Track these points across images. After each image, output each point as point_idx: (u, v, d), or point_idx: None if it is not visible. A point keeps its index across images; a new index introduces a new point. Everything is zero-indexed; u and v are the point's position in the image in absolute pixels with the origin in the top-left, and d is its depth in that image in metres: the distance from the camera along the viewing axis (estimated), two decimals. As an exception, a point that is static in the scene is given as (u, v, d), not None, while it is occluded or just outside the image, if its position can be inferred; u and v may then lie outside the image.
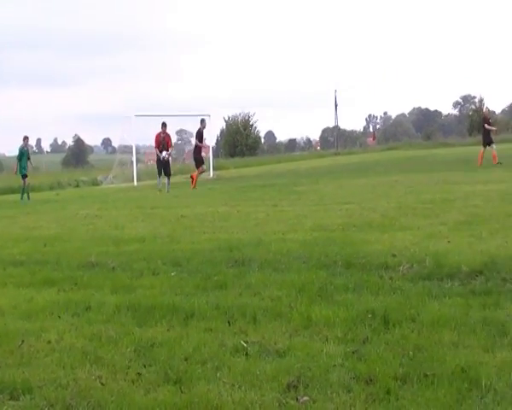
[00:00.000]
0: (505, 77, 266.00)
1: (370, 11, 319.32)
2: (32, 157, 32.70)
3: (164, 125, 30.08)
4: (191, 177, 30.28)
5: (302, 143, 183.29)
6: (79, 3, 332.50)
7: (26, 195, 30.73)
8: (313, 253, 9.63)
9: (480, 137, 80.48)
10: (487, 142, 32.56)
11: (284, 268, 8.82)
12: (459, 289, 7.20)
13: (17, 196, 33.01)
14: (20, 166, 31.52)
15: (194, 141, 31.79)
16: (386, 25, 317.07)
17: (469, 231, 10.83)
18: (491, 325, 5.85)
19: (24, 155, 31.50)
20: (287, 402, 4.58)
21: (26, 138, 32.40)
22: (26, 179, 31.52)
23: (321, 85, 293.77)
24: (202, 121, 30.73)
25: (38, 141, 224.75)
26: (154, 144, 30.43)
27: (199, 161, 30.98)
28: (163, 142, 29.75)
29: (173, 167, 36.76)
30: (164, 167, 29.96)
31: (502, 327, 5.78)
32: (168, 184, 29.48)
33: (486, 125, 33.11)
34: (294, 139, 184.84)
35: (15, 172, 32.30)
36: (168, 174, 29.88)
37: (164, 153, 29.51)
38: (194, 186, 29.30)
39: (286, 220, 13.96)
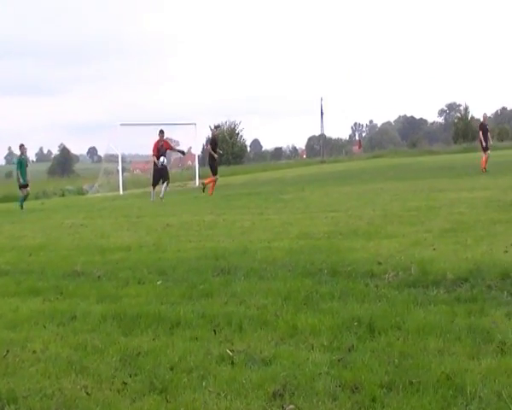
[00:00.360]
0: (490, 85, 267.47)
1: (356, 19, 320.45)
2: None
3: (161, 132, 29.49)
4: (203, 183, 30.39)
5: (288, 152, 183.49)
6: (64, 12, 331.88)
7: (22, 202, 30.28)
8: (299, 261, 9.64)
9: (465, 145, 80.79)
10: (486, 148, 32.62)
11: (270, 276, 8.83)
12: (444, 297, 7.22)
13: (2, 206, 32.93)
14: (20, 175, 31.05)
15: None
16: (372, 33, 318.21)
17: (455, 238, 10.86)
18: (477, 332, 5.86)
19: (22, 164, 31.10)
20: (273, 411, 4.58)
21: (21, 147, 31.98)
22: (27, 189, 31.12)
23: (307, 94, 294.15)
24: (217, 128, 30.28)
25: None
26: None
27: (213, 168, 30.38)
28: (161, 149, 29.07)
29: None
30: (162, 174, 29.22)
31: (487, 334, 5.79)
32: (165, 189, 28.98)
33: (481, 134, 33.18)
34: (280, 147, 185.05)
35: (20, 183, 31.53)
36: (166, 179, 29.25)
37: (162, 158, 29.05)
38: (211, 192, 29.26)
39: (272, 228, 13.97)
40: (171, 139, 29.17)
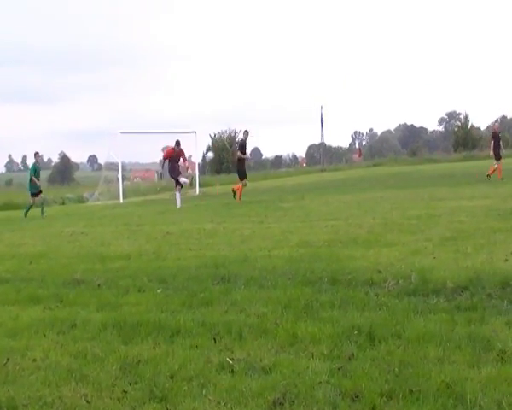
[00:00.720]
0: (490, 93, 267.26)
1: (355, 28, 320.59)
2: (18, 174, 32.32)
3: (178, 143, 28.83)
4: (233, 190, 29.28)
5: (288, 160, 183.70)
6: (64, 20, 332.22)
7: (41, 209, 30.27)
8: (299, 269, 9.64)
9: (465, 153, 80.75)
10: (498, 156, 32.75)
11: (270, 285, 8.82)
12: (444, 305, 7.21)
13: (2, 214, 32.93)
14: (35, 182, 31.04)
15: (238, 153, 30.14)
16: (371, 41, 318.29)
17: (455, 246, 10.86)
18: (477, 340, 5.86)
19: (37, 171, 31.14)
20: (273, 419, 4.58)
21: (36, 154, 31.99)
22: (41, 195, 31.36)
23: (307, 102, 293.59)
24: (245, 132, 29.63)
25: (24, 158, 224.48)
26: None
27: (242, 172, 29.39)
28: (176, 158, 28.63)
29: (159, 185, 36.46)
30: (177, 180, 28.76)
31: (487, 343, 5.79)
32: (179, 198, 28.52)
33: (492, 143, 33.35)
34: (280, 156, 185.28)
35: (34, 190, 31.44)
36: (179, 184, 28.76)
37: (183, 179, 28.53)
38: (239, 198, 28.37)
39: (272, 237, 13.97)
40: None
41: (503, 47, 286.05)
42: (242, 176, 29.31)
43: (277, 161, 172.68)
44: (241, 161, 29.62)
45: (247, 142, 29.35)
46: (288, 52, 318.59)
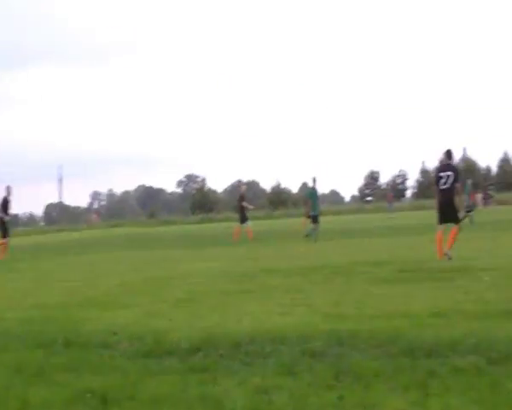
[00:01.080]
0: (226, 158, 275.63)
1: (111, 95, 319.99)
2: None
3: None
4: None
5: (25, 219, 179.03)
6: None
7: None
8: (31, 331, 9.38)
9: (202, 216, 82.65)
10: (243, 219, 33.63)
11: (1, 348, 8.51)
12: (178, 367, 7.29)
13: None
14: None
15: None
16: (112, 110, 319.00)
17: (189, 308, 11.07)
18: (208, 401, 5.97)
19: None
20: None
21: None
22: None
23: (45, 160, 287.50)
24: (7, 188, 28.13)
25: None
26: None
27: (5, 230, 27.83)
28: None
29: None
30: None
31: (219, 403, 5.91)
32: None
33: (244, 203, 34.17)
34: (17, 214, 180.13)
35: None
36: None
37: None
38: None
39: (5, 298, 13.52)
40: None
41: (235, 113, 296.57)
42: (5, 234, 28.03)
43: (14, 219, 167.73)
44: (2, 218, 28.19)
45: (11, 198, 28.18)
46: (27, 112, 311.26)
